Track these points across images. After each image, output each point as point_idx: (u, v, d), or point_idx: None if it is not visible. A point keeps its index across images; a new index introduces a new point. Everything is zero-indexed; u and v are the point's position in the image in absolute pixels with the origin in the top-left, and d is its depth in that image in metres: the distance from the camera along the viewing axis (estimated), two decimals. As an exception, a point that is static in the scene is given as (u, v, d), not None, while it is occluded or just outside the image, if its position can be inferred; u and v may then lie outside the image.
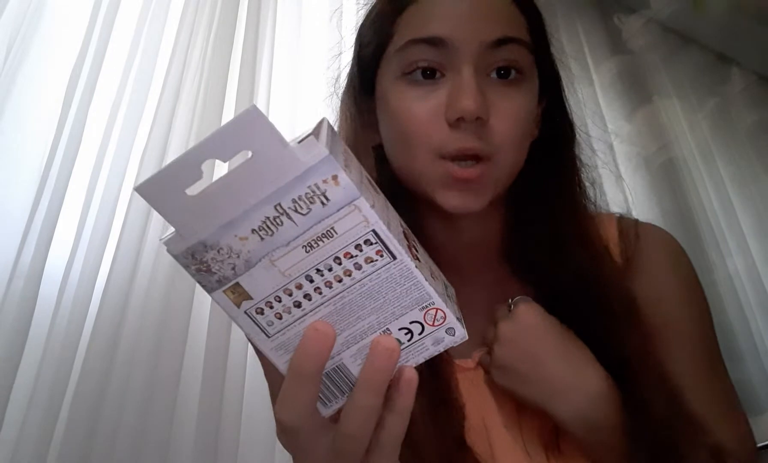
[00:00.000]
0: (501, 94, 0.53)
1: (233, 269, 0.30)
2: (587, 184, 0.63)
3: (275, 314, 0.31)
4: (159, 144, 1.05)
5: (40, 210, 0.92)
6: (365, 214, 0.29)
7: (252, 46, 1.20)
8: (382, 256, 0.30)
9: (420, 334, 0.32)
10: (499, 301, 0.58)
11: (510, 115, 0.53)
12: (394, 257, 0.30)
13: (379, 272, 0.30)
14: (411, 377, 0.33)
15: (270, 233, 0.29)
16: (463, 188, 0.53)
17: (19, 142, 0.98)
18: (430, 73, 0.54)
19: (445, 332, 0.33)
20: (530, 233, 0.60)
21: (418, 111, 0.54)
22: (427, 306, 0.32)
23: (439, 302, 0.32)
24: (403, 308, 0.31)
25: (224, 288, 0.30)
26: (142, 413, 0.91)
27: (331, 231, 0.29)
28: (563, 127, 0.63)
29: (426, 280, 0.31)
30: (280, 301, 0.31)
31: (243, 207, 0.28)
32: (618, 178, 0.98)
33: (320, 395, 0.33)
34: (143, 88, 1.08)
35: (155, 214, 1.02)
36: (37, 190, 0.94)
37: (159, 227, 1.02)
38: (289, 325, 0.32)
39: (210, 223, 0.28)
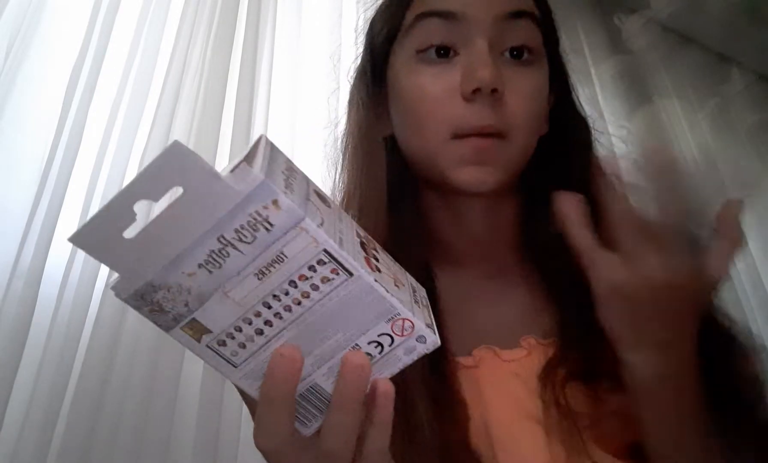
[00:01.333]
0: (515, 72, 0.53)
1: (186, 305, 0.29)
2: None
3: (238, 344, 0.31)
4: (159, 144, 1.04)
5: (40, 210, 0.93)
6: (313, 235, 0.28)
7: (252, 46, 1.20)
8: (338, 274, 0.29)
9: (390, 345, 0.32)
10: (500, 291, 0.57)
11: (524, 92, 0.53)
12: (351, 274, 0.29)
13: (337, 290, 0.29)
14: (386, 390, 0.32)
15: (218, 265, 0.28)
16: (479, 162, 0.52)
17: (19, 142, 0.98)
18: (443, 52, 0.53)
19: (416, 340, 0.32)
20: (544, 227, 0.58)
21: (433, 89, 0.53)
22: (393, 317, 0.31)
23: (405, 312, 0.31)
24: (368, 322, 0.31)
25: (181, 325, 0.30)
26: (142, 413, 0.91)
27: (281, 256, 0.28)
28: (574, 123, 0.62)
29: (388, 292, 0.30)
30: (240, 330, 0.30)
31: (184, 243, 0.27)
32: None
33: (298, 415, 0.33)
34: (143, 88, 1.08)
35: (155, 214, 1.02)
36: (37, 190, 0.94)
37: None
38: (254, 353, 0.31)
39: (154, 264, 0.28)
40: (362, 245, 0.32)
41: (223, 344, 0.31)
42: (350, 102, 0.66)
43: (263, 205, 0.27)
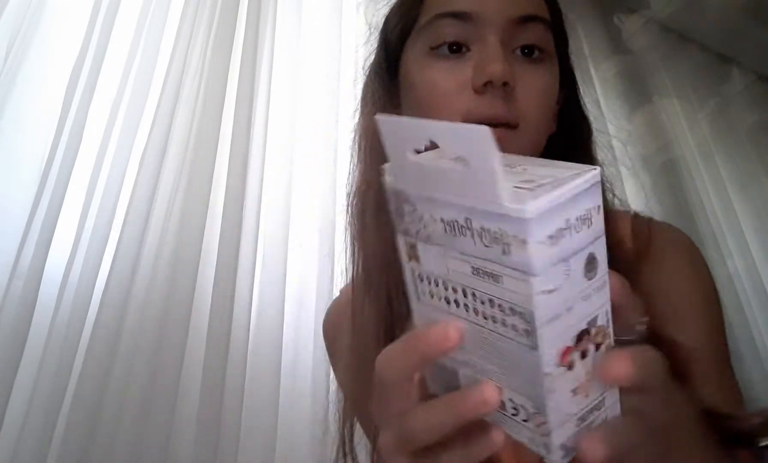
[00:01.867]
0: (525, 69, 0.54)
1: (417, 232, 0.32)
2: (607, 184, 0.62)
3: (429, 292, 0.33)
4: (159, 144, 1.05)
5: (40, 210, 0.93)
6: (531, 294, 0.27)
7: (252, 46, 1.20)
8: (528, 336, 0.28)
9: (524, 420, 0.31)
10: None
11: (535, 87, 0.54)
12: (534, 349, 0.28)
13: (519, 346, 0.28)
14: (495, 440, 0.32)
15: (453, 233, 0.29)
16: None
17: (19, 142, 0.98)
18: (456, 48, 0.55)
19: (542, 442, 0.30)
20: None
21: (444, 82, 0.54)
22: (538, 410, 0.29)
23: (552, 421, 0.29)
24: (521, 388, 0.30)
25: (406, 238, 0.33)
26: (142, 413, 0.91)
27: (498, 278, 0.28)
28: (580, 124, 0.63)
29: (554, 392, 0.28)
30: (437, 285, 0.32)
31: (444, 197, 0.29)
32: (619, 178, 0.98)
33: (430, 373, 0.34)
34: (143, 88, 1.08)
35: (155, 214, 1.02)
36: (37, 190, 0.94)
37: (159, 227, 1.02)
38: (433, 308, 0.33)
39: (417, 187, 0.31)
40: (580, 335, 0.29)
41: (421, 279, 0.33)
42: (363, 98, 0.67)
43: (513, 234, 0.26)
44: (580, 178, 0.27)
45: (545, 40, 0.56)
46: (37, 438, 0.84)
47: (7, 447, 0.83)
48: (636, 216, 0.62)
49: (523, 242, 0.26)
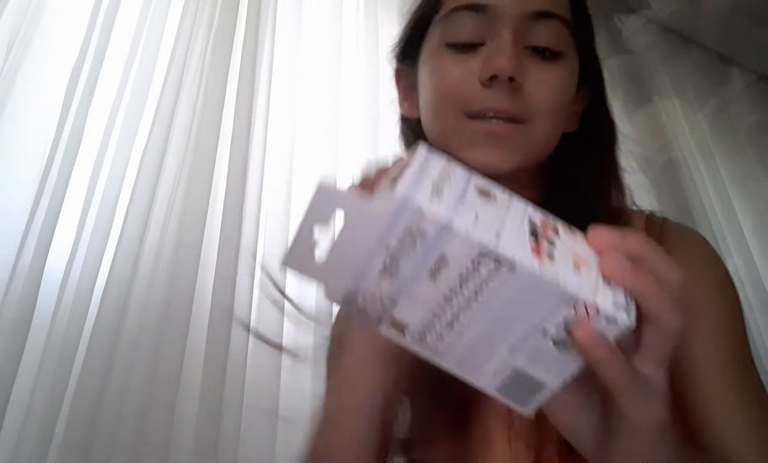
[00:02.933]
0: (538, 65, 0.54)
1: (382, 306, 0.33)
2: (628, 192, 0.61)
3: (436, 337, 0.34)
4: (159, 144, 1.05)
5: (40, 210, 0.93)
6: (463, 236, 0.29)
7: (252, 46, 1.20)
8: (500, 268, 0.30)
9: (558, 338, 0.32)
10: None
11: (546, 84, 0.53)
12: (513, 268, 0.30)
13: (506, 282, 0.30)
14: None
15: (394, 271, 0.31)
16: (491, 144, 0.53)
17: (19, 142, 0.98)
18: (470, 46, 0.55)
19: (606, 322, 0.30)
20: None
21: (453, 72, 0.54)
22: (574, 303, 0.30)
23: (585, 295, 0.30)
24: (551, 307, 0.31)
25: (384, 323, 0.34)
26: (142, 413, 0.91)
27: (443, 257, 0.30)
28: (604, 127, 0.62)
29: (561, 278, 0.30)
30: (434, 325, 0.33)
31: (361, 258, 0.31)
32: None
33: (511, 399, 0.35)
34: (143, 88, 1.08)
35: (155, 214, 1.02)
36: (37, 190, 0.94)
37: (159, 227, 1.02)
38: (452, 344, 0.34)
39: (345, 277, 0.32)
40: (533, 232, 0.32)
41: (424, 337, 0.34)
42: (396, 85, 0.68)
43: (412, 218, 0.30)
44: (418, 156, 0.32)
45: (560, 39, 0.55)
46: (37, 438, 0.84)
47: (7, 447, 0.83)
48: (650, 216, 0.61)
49: (420, 212, 0.29)
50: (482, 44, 0.54)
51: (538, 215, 0.33)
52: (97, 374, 0.89)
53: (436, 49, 0.57)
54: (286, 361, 1.05)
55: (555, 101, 0.54)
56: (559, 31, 0.55)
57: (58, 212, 0.94)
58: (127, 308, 0.95)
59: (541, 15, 0.54)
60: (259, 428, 0.98)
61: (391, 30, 1.37)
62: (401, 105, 0.66)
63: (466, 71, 0.54)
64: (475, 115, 0.53)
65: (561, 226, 0.34)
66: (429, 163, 0.32)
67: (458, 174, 0.33)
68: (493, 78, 0.52)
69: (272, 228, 1.11)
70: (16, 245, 0.90)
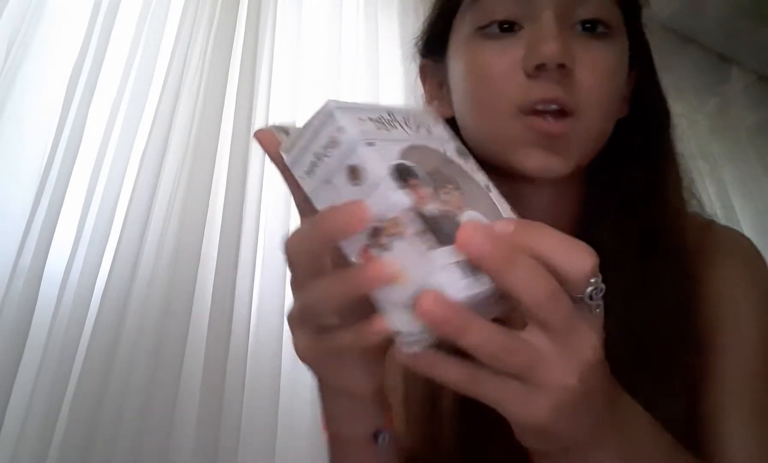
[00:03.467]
0: (587, 46, 0.48)
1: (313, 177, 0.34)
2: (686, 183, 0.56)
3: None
4: (159, 144, 1.05)
5: (40, 210, 0.93)
6: (347, 136, 0.31)
7: (252, 46, 1.20)
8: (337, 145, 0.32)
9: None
10: None
11: (597, 66, 0.48)
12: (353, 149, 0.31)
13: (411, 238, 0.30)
14: (375, 327, 0.31)
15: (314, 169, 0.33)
16: (547, 146, 0.47)
17: (19, 142, 0.98)
18: (507, 27, 0.49)
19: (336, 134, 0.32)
20: (610, 223, 0.52)
21: (495, 64, 0.49)
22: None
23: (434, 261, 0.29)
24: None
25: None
26: (142, 413, 0.91)
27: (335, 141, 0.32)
28: (656, 108, 0.57)
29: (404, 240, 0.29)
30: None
31: (298, 148, 0.33)
32: None
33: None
34: (143, 88, 1.08)
35: (155, 214, 1.02)
36: (37, 190, 0.94)
37: (159, 227, 1.02)
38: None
39: (298, 158, 0.33)
40: (435, 174, 0.32)
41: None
42: (421, 78, 0.63)
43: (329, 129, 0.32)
44: (309, 126, 0.32)
45: (610, 13, 0.49)
46: (37, 438, 0.84)
47: (7, 447, 0.83)
48: (695, 217, 0.57)
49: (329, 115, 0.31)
50: (521, 26, 0.49)
51: (462, 169, 0.35)
52: (97, 374, 0.89)
53: (469, 39, 0.51)
54: (286, 361, 1.05)
55: (609, 86, 0.49)
56: (607, 7, 0.49)
57: (58, 212, 0.94)
58: (127, 308, 0.95)
59: None
60: (260, 428, 0.98)
61: (391, 30, 1.37)
62: (429, 104, 0.61)
63: (507, 62, 0.48)
64: (523, 111, 0.48)
65: (415, 226, 0.30)
66: (319, 135, 0.33)
67: (338, 155, 0.33)
68: (540, 67, 0.46)
69: (272, 228, 1.12)
70: (16, 245, 0.90)
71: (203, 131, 1.10)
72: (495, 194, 0.36)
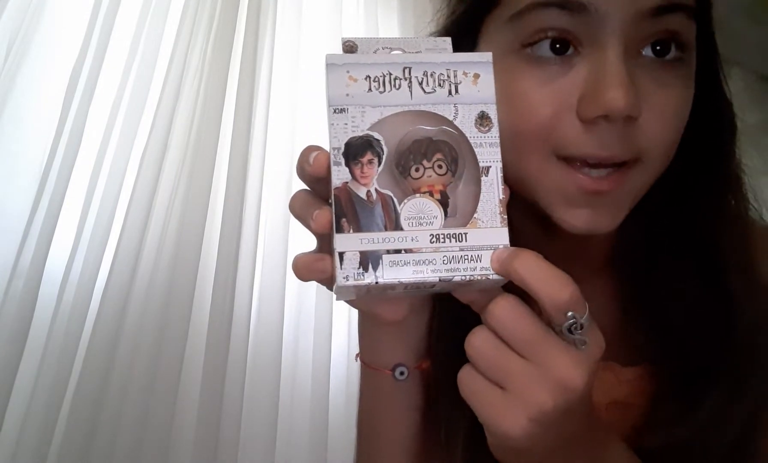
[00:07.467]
0: (656, 81, 0.39)
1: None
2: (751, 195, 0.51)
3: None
4: (159, 144, 1.05)
5: (40, 210, 0.93)
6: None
7: (252, 46, 1.20)
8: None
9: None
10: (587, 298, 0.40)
11: (666, 111, 0.40)
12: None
13: None
14: (318, 218, 0.36)
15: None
16: (593, 203, 0.40)
17: (19, 143, 0.98)
18: (560, 47, 0.39)
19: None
20: (664, 242, 0.47)
21: (541, 97, 0.40)
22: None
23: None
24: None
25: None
26: (142, 413, 0.91)
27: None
28: (721, 115, 0.50)
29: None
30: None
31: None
32: None
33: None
34: (143, 88, 1.08)
35: (155, 214, 1.02)
36: (37, 190, 0.94)
37: (159, 227, 1.02)
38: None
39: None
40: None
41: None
42: None
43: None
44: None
45: (686, 31, 0.40)
46: (37, 438, 0.84)
47: (7, 447, 0.83)
48: (753, 223, 0.53)
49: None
50: (577, 49, 0.39)
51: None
52: (97, 374, 0.89)
53: (509, 56, 0.41)
54: (285, 360, 1.05)
55: (678, 129, 0.41)
56: (683, 24, 0.40)
57: (58, 212, 0.94)
58: (127, 308, 0.95)
59: (662, 10, 0.39)
60: (260, 428, 0.98)
61: (391, 30, 1.37)
62: None
63: (558, 98, 0.39)
64: (570, 160, 0.40)
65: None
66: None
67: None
68: (601, 117, 0.38)
69: (272, 228, 1.12)
70: (16, 245, 0.90)
71: (203, 132, 1.10)
72: (494, 177, 0.34)
